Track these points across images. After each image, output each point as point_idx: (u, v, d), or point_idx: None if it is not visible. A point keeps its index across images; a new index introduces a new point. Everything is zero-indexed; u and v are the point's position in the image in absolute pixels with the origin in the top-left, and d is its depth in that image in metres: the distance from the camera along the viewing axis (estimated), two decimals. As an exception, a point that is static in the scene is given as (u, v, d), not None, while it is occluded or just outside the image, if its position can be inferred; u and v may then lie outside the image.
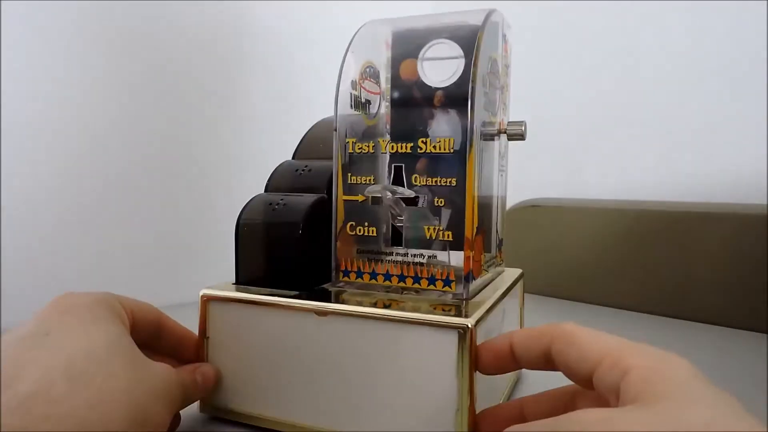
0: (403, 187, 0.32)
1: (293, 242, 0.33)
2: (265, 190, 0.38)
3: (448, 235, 0.31)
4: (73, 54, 0.59)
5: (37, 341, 0.23)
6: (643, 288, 0.63)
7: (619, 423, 0.18)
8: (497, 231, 0.38)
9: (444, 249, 0.32)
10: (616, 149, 0.76)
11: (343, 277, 0.34)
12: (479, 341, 0.27)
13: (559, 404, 0.26)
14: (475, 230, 0.31)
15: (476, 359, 0.27)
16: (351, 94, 0.34)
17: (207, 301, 0.33)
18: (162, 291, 0.64)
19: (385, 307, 0.29)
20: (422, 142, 0.31)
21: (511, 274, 0.40)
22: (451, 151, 0.31)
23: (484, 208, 0.35)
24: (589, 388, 0.23)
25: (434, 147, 0.31)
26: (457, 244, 0.31)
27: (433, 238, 0.31)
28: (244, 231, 0.34)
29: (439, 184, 0.31)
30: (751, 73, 0.62)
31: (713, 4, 0.66)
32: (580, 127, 0.80)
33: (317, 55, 0.71)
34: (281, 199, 0.35)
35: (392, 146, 0.32)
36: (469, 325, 0.26)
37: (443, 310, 0.28)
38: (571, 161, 0.81)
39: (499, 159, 0.38)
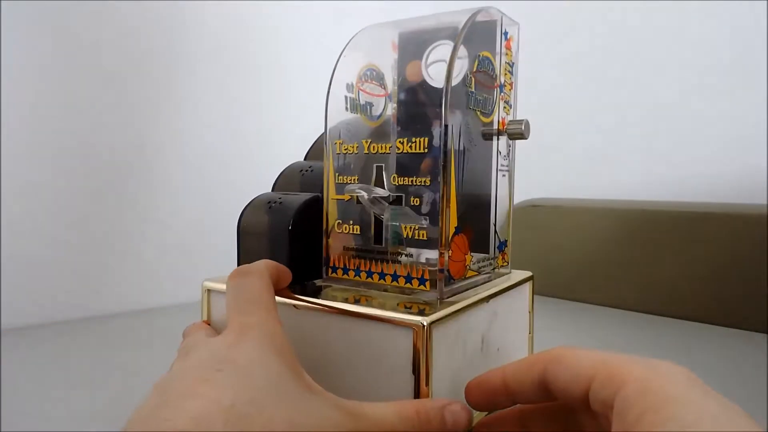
0: (383, 187, 0.33)
1: (285, 238, 0.35)
2: (272, 190, 0.40)
3: (423, 234, 0.31)
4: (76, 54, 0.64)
5: (209, 375, 0.23)
6: (643, 288, 0.62)
7: None
8: (497, 232, 0.38)
9: (425, 248, 0.32)
10: (617, 149, 0.75)
11: (332, 273, 0.35)
12: (440, 342, 0.27)
13: (559, 413, 0.26)
14: (453, 230, 0.31)
15: (466, 396, 0.27)
16: (346, 96, 0.35)
17: (209, 292, 0.36)
18: (163, 291, 0.66)
19: (356, 302, 0.30)
20: (399, 142, 0.32)
21: (516, 276, 0.39)
22: (425, 150, 0.31)
23: (475, 207, 0.35)
24: (588, 408, 0.22)
25: (410, 147, 0.31)
26: (436, 243, 0.31)
27: (410, 237, 0.32)
28: (244, 227, 0.37)
29: (415, 183, 0.31)
30: (750, 73, 0.60)
31: (714, 5, 0.65)
32: (581, 127, 0.79)
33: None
34: (279, 198, 0.37)
35: (373, 146, 0.33)
36: (425, 324, 0.27)
37: (406, 307, 0.29)
38: (572, 161, 0.80)
39: (500, 159, 0.37)
